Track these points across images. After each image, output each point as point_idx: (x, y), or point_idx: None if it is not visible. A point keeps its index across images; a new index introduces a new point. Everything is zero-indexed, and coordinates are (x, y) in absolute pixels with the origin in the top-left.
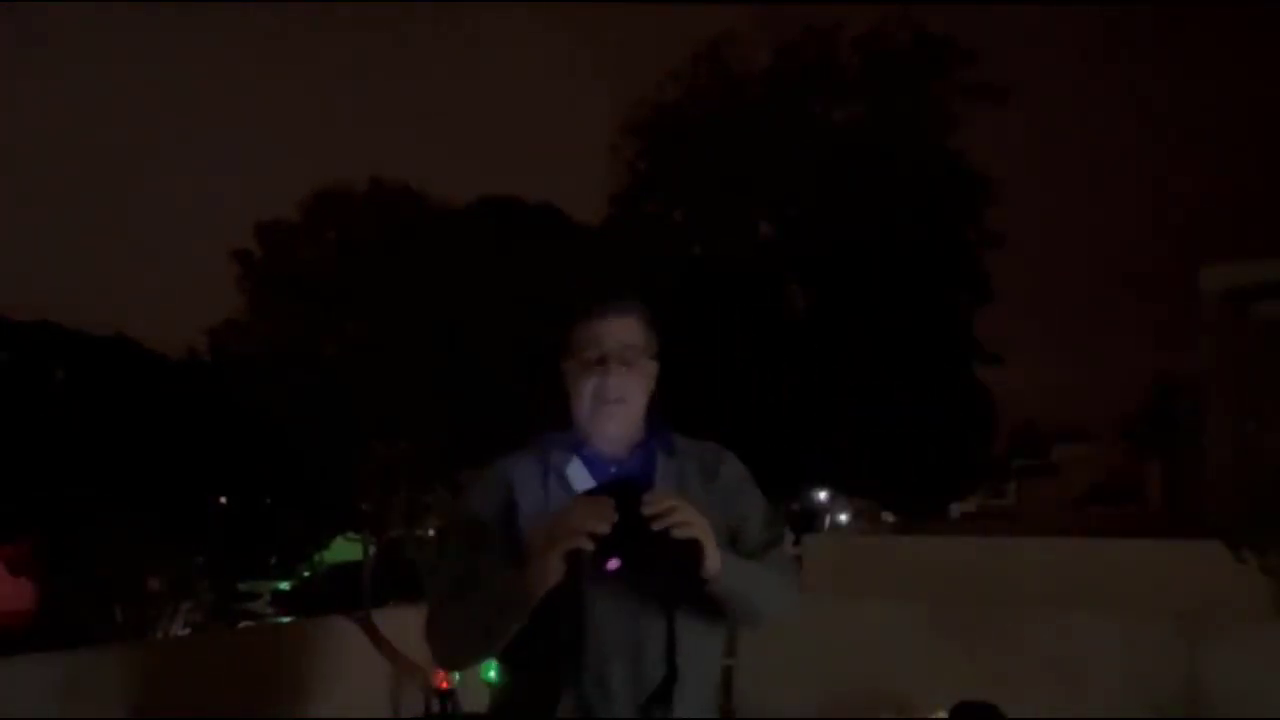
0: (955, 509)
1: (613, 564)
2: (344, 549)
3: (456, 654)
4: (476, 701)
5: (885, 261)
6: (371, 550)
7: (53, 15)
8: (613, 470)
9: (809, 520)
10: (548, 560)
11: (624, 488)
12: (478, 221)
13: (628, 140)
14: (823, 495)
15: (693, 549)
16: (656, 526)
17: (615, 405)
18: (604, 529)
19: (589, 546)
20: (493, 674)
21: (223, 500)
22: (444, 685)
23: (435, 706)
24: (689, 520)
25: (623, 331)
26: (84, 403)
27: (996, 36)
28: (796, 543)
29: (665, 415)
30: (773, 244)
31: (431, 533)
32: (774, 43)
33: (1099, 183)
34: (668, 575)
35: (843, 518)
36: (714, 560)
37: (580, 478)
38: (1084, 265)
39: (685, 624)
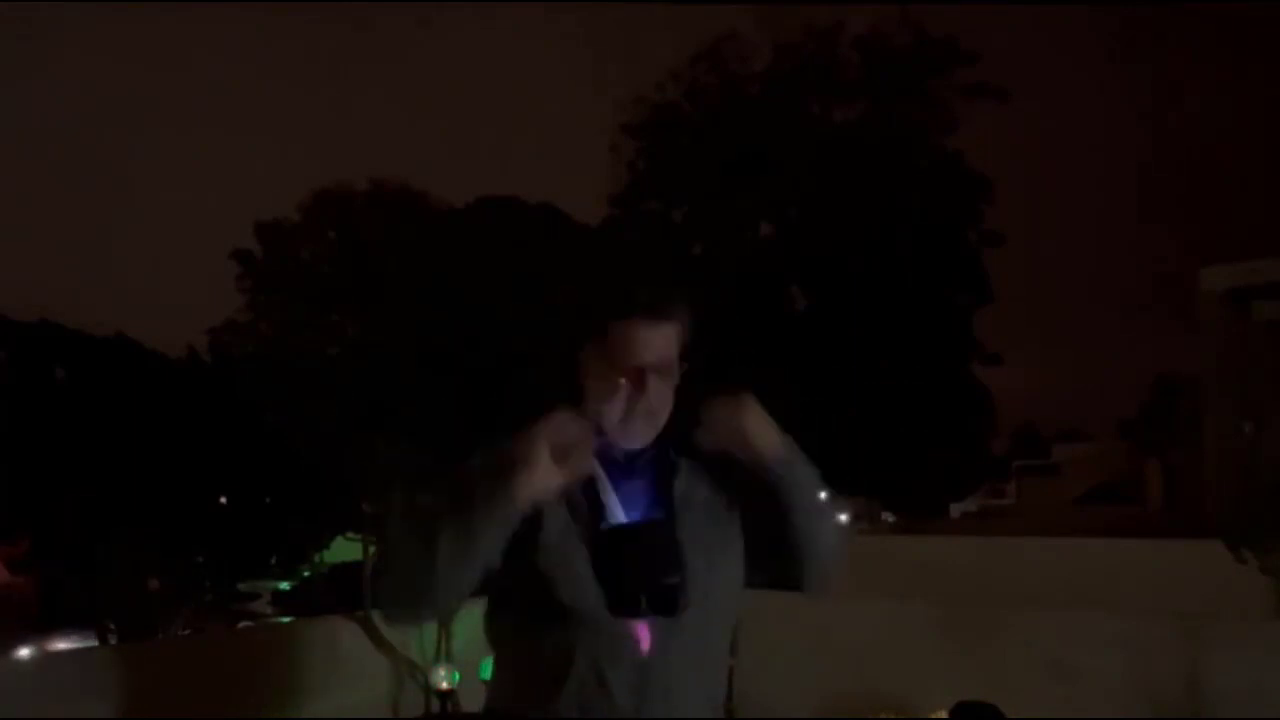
0: (955, 509)
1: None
2: (344, 549)
3: (405, 585)
4: (477, 701)
5: (885, 261)
6: (371, 550)
7: (53, 15)
8: (621, 455)
9: None
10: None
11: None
12: (478, 221)
13: (628, 140)
14: (823, 495)
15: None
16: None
17: (648, 418)
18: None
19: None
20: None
21: (223, 500)
22: (444, 685)
23: (435, 706)
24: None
25: (665, 343)
26: (84, 403)
27: (997, 37)
28: None
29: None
30: (773, 244)
31: None
32: (774, 43)
33: (1099, 183)
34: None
35: (843, 518)
36: (771, 441)
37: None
38: (1084, 265)
39: (694, 621)
